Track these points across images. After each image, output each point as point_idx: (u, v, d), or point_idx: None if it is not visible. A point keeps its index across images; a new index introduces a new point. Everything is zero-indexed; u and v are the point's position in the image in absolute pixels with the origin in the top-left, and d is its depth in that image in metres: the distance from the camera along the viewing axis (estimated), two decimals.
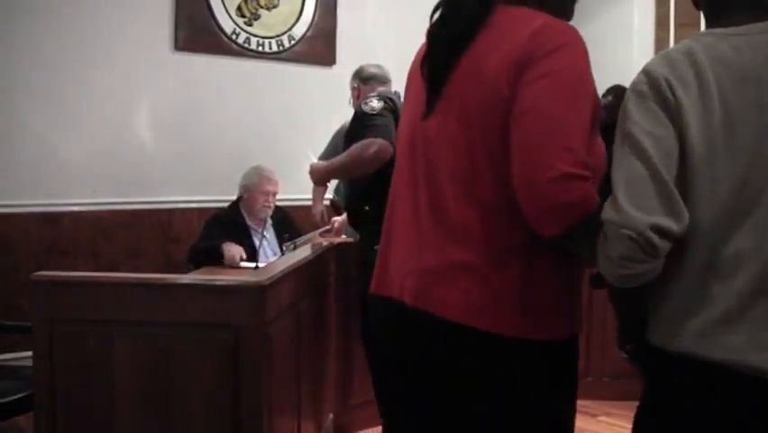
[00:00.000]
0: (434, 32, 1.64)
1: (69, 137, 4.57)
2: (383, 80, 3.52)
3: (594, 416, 3.95)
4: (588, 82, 1.50)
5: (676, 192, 1.35)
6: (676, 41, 5.47)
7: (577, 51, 1.49)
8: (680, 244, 1.39)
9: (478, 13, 1.56)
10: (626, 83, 1.54)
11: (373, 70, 3.61)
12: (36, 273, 2.35)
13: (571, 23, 1.63)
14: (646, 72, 1.42)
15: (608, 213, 1.37)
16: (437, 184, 1.58)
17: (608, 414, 3.97)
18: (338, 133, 4.29)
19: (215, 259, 3.91)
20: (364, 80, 3.61)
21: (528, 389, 1.52)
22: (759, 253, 1.35)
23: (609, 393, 4.00)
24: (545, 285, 1.53)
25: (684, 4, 5.48)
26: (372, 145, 2.92)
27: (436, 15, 1.65)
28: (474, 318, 1.49)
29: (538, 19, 1.52)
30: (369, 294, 1.76)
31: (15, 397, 2.73)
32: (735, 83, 1.38)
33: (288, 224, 4.37)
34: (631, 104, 1.42)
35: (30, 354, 2.32)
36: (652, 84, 1.40)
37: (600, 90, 1.84)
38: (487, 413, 1.52)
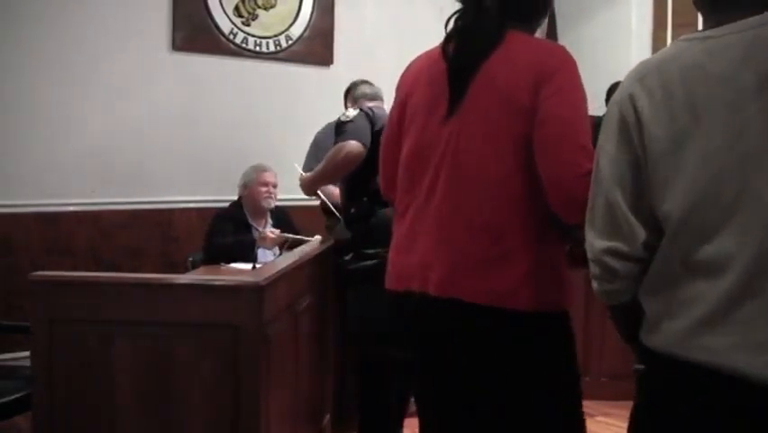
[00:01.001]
0: (453, 56, 1.88)
1: (68, 137, 4.58)
2: (372, 98, 3.66)
3: (592, 416, 3.94)
4: (583, 90, 1.83)
5: (627, 214, 1.44)
6: (674, 40, 5.47)
7: (573, 67, 1.82)
8: (664, 244, 1.41)
9: (494, 40, 1.84)
10: None
11: (365, 90, 3.77)
12: (35, 273, 2.35)
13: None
14: (620, 89, 1.49)
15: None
16: (462, 185, 1.82)
17: (605, 414, 3.97)
18: (315, 142, 4.37)
19: (243, 252, 3.98)
20: (354, 99, 3.80)
21: (551, 354, 1.86)
22: (743, 255, 1.32)
23: (607, 394, 4.00)
24: (556, 267, 1.84)
25: (682, 4, 5.48)
26: (343, 148, 3.07)
27: (451, 43, 1.91)
28: (500, 300, 1.77)
29: (535, 42, 1.88)
30: (387, 290, 2.00)
31: (14, 397, 2.73)
32: (707, 85, 1.37)
33: (288, 223, 4.39)
34: (603, 123, 1.51)
35: (29, 353, 2.32)
36: (620, 102, 1.46)
37: (596, 89, 1.91)
38: (521, 380, 1.83)
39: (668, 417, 1.43)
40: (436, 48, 1.96)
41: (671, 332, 1.40)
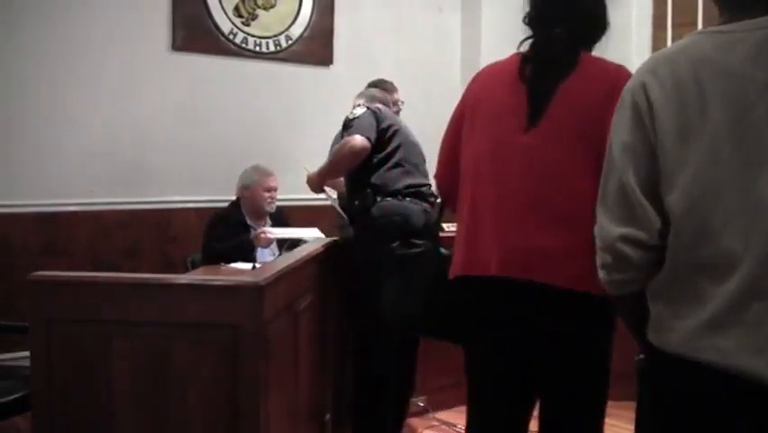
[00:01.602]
0: (532, 80, 2.12)
1: (67, 137, 4.57)
2: (381, 101, 3.73)
3: None
4: None
5: (642, 200, 1.42)
6: (673, 41, 5.46)
7: None
8: (669, 240, 1.40)
9: (572, 65, 2.09)
10: None
11: (375, 93, 3.87)
12: (34, 273, 2.34)
13: None
14: (632, 78, 1.49)
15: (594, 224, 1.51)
16: (541, 182, 2.05)
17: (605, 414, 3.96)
18: (335, 142, 4.38)
19: (242, 253, 4.00)
20: (365, 98, 3.83)
21: (611, 332, 2.11)
22: (749, 256, 1.31)
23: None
24: None
25: (682, 3, 5.48)
26: (347, 143, 3.23)
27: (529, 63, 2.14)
28: (576, 283, 1.97)
29: (603, 62, 2.12)
30: (458, 276, 2.16)
31: (13, 397, 2.73)
32: (714, 78, 1.36)
33: (286, 224, 4.38)
34: (616, 110, 1.50)
35: (27, 353, 2.32)
36: (633, 90, 1.46)
37: None
38: (592, 354, 2.10)
39: (672, 416, 1.43)
40: (506, 61, 2.21)
41: (678, 332, 1.39)
